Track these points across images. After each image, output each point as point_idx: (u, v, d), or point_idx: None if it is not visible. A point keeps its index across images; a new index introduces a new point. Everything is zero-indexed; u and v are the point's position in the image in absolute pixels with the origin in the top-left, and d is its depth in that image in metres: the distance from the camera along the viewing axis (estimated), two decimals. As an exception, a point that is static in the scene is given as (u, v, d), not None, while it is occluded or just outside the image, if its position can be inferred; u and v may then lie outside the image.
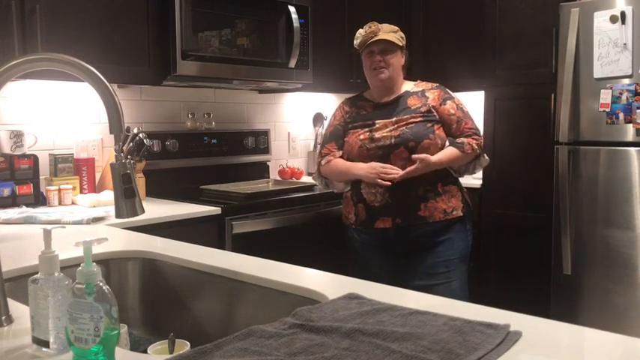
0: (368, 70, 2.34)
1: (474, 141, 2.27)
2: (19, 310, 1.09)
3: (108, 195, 2.50)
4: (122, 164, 1.15)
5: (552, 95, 2.98)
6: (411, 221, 2.23)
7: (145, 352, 1.31)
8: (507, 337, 0.93)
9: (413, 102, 2.32)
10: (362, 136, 2.31)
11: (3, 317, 1.05)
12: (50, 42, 2.27)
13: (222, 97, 3.35)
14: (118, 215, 1.18)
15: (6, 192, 2.39)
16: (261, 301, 1.35)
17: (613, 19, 2.71)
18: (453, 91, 2.40)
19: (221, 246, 2.44)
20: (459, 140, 2.27)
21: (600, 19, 2.75)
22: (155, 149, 2.90)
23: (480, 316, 1.02)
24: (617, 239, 2.76)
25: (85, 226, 2.07)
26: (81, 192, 2.65)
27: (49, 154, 2.61)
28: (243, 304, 1.40)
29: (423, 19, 3.77)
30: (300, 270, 1.42)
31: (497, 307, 1.11)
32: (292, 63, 3.00)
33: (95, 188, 2.71)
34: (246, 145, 3.33)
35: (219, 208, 2.47)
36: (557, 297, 2.97)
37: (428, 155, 2.17)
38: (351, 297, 1.14)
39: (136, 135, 2.53)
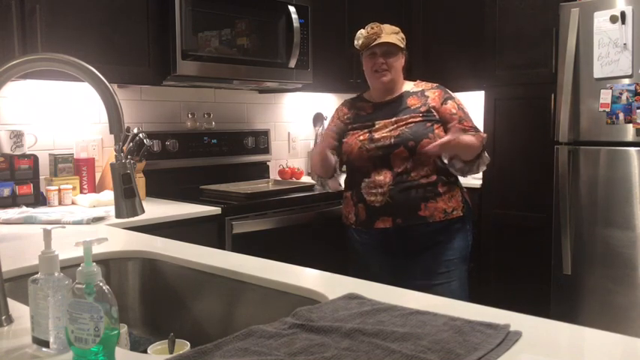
0: (369, 72, 2.33)
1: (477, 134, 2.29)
2: (19, 310, 1.09)
3: (108, 195, 2.50)
4: (122, 164, 1.15)
5: (552, 95, 2.98)
6: (411, 221, 2.23)
7: (145, 352, 1.31)
8: (507, 337, 0.93)
9: (412, 102, 2.32)
10: (361, 137, 2.31)
11: (3, 317, 1.05)
12: (50, 42, 2.27)
13: (222, 97, 3.35)
14: (118, 215, 1.18)
15: (6, 192, 2.39)
16: (261, 301, 1.35)
17: (613, 19, 2.71)
18: (452, 91, 2.40)
19: (221, 246, 2.44)
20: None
21: (600, 19, 2.75)
22: (155, 149, 2.90)
23: (480, 316, 1.02)
24: (617, 239, 2.76)
25: (85, 226, 2.07)
26: (81, 192, 2.65)
27: (49, 154, 2.61)
28: (243, 304, 1.40)
29: (423, 19, 3.77)
30: (300, 270, 1.42)
31: (497, 307, 1.11)
32: (292, 63, 3.00)
33: (95, 188, 2.71)
34: (246, 145, 3.33)
35: (219, 208, 2.47)
36: (557, 297, 2.97)
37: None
38: (351, 297, 1.14)
39: (136, 135, 2.53)
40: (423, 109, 2.29)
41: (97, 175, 2.77)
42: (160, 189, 2.83)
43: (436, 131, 2.26)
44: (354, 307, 1.08)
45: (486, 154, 2.34)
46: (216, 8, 2.74)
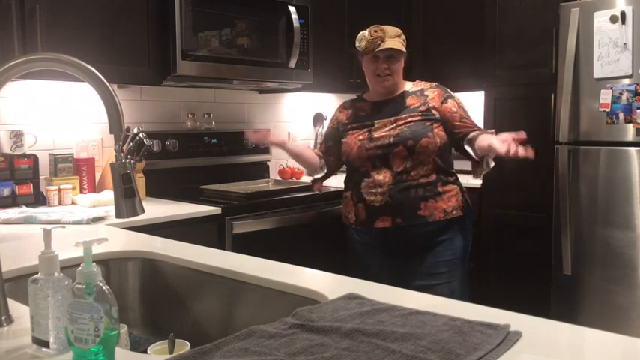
0: (371, 76, 2.33)
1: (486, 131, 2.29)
2: (19, 310, 1.09)
3: (108, 195, 2.50)
4: (122, 164, 1.15)
5: (552, 95, 2.98)
6: (411, 221, 2.23)
7: (145, 352, 1.31)
8: (507, 337, 0.93)
9: (412, 101, 2.32)
10: (361, 137, 2.31)
11: (3, 317, 1.05)
12: (50, 42, 2.27)
13: (222, 97, 3.35)
14: (118, 215, 1.18)
15: (6, 192, 2.40)
16: (261, 301, 1.35)
17: (613, 19, 2.71)
18: (452, 91, 2.40)
19: (221, 246, 2.44)
20: (474, 134, 2.25)
21: (600, 19, 2.75)
22: (155, 149, 2.90)
23: (480, 316, 1.02)
24: (617, 239, 2.76)
25: (85, 226, 2.07)
26: (81, 192, 2.65)
27: (49, 154, 2.61)
28: (243, 304, 1.40)
29: (423, 19, 3.77)
30: (300, 270, 1.42)
31: (497, 307, 1.11)
32: (292, 63, 3.00)
33: (95, 188, 2.71)
34: (246, 145, 3.34)
35: (219, 208, 2.47)
36: (557, 297, 2.97)
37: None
38: (351, 297, 1.14)
39: (136, 135, 2.54)
40: (422, 108, 2.29)
41: (97, 175, 2.77)
42: (160, 189, 2.83)
43: (435, 130, 2.26)
44: (354, 307, 1.08)
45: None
46: (216, 8, 2.74)
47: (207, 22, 2.71)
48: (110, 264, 1.62)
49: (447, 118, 2.29)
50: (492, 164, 2.26)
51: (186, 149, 3.07)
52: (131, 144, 2.52)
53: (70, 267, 1.16)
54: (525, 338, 0.94)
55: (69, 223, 2.09)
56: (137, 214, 1.19)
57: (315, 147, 3.72)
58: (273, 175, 3.51)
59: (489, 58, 3.24)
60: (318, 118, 3.80)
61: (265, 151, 3.44)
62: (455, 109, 2.30)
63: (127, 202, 1.17)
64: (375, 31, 2.25)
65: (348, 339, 0.93)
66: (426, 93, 2.34)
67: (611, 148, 2.77)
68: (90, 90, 1.16)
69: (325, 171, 2.50)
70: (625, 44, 2.68)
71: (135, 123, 2.91)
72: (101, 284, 0.85)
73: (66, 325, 0.84)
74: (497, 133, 3.16)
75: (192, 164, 3.10)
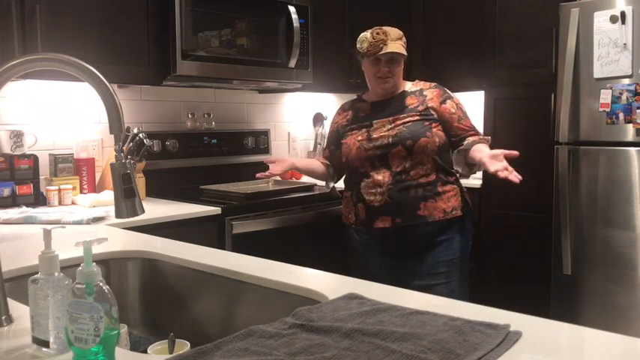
0: (372, 77, 2.33)
1: (483, 137, 2.30)
2: (19, 310, 1.09)
3: (108, 195, 2.50)
4: (122, 164, 1.15)
5: (552, 95, 2.98)
6: (411, 221, 2.23)
7: (145, 352, 1.31)
8: (507, 337, 0.93)
9: (411, 101, 2.32)
10: (360, 137, 2.31)
11: (3, 317, 1.05)
12: (50, 42, 2.27)
13: (222, 97, 3.35)
14: (118, 215, 1.18)
15: (6, 192, 2.39)
16: (261, 301, 1.35)
17: (613, 19, 2.71)
18: (452, 91, 2.40)
19: (221, 246, 2.44)
20: (469, 140, 2.26)
21: (600, 19, 2.75)
22: (155, 149, 2.90)
23: (479, 316, 1.02)
24: (617, 239, 2.76)
25: (85, 226, 2.07)
26: (81, 192, 2.65)
27: (49, 154, 2.61)
28: (243, 304, 1.40)
29: (423, 19, 3.77)
30: (300, 270, 1.42)
31: (497, 307, 1.11)
32: (292, 63, 3.00)
33: (95, 188, 2.71)
34: (246, 145, 3.34)
35: (219, 208, 2.47)
36: (557, 297, 2.97)
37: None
38: (351, 297, 1.14)
39: (136, 135, 2.53)
40: (420, 108, 2.29)
41: (97, 175, 2.77)
42: (160, 189, 2.83)
43: (434, 130, 2.26)
44: (354, 307, 1.08)
45: None
46: (216, 8, 2.74)
47: (207, 22, 2.71)
48: (110, 264, 1.62)
49: (446, 118, 2.29)
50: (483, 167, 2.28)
51: (186, 149, 3.07)
52: (131, 144, 2.52)
53: (70, 267, 1.16)
54: (525, 338, 0.94)
55: (69, 223, 2.09)
56: (137, 214, 1.19)
57: (315, 147, 3.73)
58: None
59: (489, 58, 3.24)
60: (318, 118, 3.80)
61: (265, 151, 3.44)
62: (454, 110, 2.30)
63: (127, 202, 1.17)
64: (377, 34, 2.24)
65: (348, 339, 0.93)
66: (424, 93, 2.34)
67: (611, 148, 2.77)
68: (90, 90, 1.16)
69: (336, 177, 2.53)
70: (625, 44, 2.68)
71: (135, 123, 2.91)
72: (101, 284, 0.85)
73: (66, 325, 0.84)
74: (496, 133, 3.18)
75: (192, 164, 3.10)
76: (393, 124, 2.28)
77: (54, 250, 0.96)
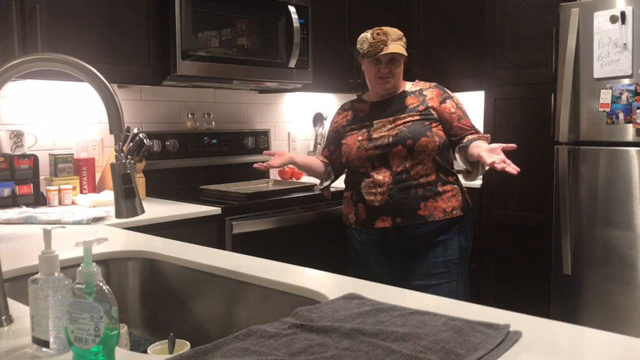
0: (372, 78, 2.33)
1: (482, 135, 2.30)
2: (19, 310, 1.09)
3: (108, 195, 2.50)
4: (122, 164, 1.15)
5: (552, 95, 2.98)
6: (411, 221, 2.23)
7: (145, 352, 1.31)
8: (507, 337, 0.93)
9: (411, 101, 2.32)
10: (360, 137, 2.31)
11: (3, 317, 1.05)
12: (50, 42, 2.27)
13: (222, 97, 3.35)
14: (118, 215, 1.18)
15: (6, 192, 2.40)
16: (261, 301, 1.35)
17: (613, 19, 2.71)
18: (452, 91, 2.40)
19: (221, 246, 2.44)
20: (469, 138, 2.25)
21: (600, 19, 2.75)
22: (155, 149, 2.90)
23: (479, 316, 1.02)
24: (617, 239, 2.76)
25: (85, 226, 2.07)
26: (81, 192, 2.65)
27: (49, 154, 2.61)
28: (243, 304, 1.40)
29: (423, 19, 3.77)
30: (300, 270, 1.42)
31: (497, 307, 1.11)
32: (292, 63, 3.00)
33: (95, 188, 2.71)
34: (246, 145, 3.34)
35: (219, 208, 2.47)
36: (557, 297, 2.97)
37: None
38: (351, 297, 1.14)
39: (136, 135, 2.53)
40: (421, 108, 2.29)
41: (97, 175, 2.77)
42: (160, 189, 2.83)
43: (434, 129, 2.26)
44: (354, 307, 1.08)
45: None
46: (216, 8, 2.74)
47: (207, 22, 2.71)
48: (110, 264, 1.62)
49: (446, 118, 2.29)
50: (487, 167, 2.27)
51: (186, 149, 3.07)
52: (131, 144, 2.52)
53: (70, 267, 1.16)
54: (525, 338, 0.94)
55: (69, 223, 2.09)
56: (137, 214, 1.19)
57: (315, 147, 3.73)
58: (273, 175, 3.51)
59: (489, 58, 3.24)
60: (318, 118, 3.80)
61: (265, 151, 3.43)
62: (453, 110, 2.30)
63: (127, 202, 1.17)
64: (378, 34, 2.24)
65: (348, 339, 0.93)
66: (424, 93, 2.34)
67: (611, 148, 2.77)
68: (90, 90, 1.16)
69: (332, 177, 2.51)
70: (625, 44, 2.68)
71: (135, 123, 2.91)
72: (101, 284, 0.85)
73: (66, 325, 0.84)
74: (496, 133, 3.18)
75: (192, 164, 3.10)
76: (393, 124, 2.28)
77: (54, 250, 0.96)
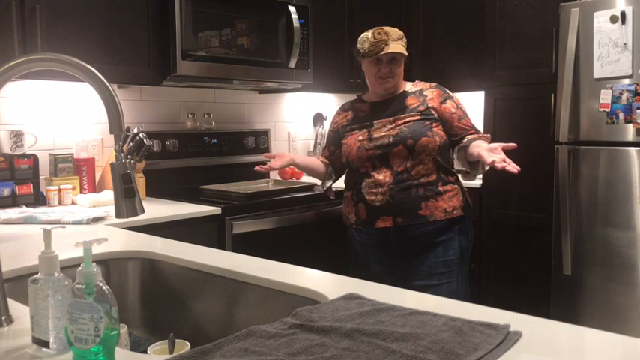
0: (372, 78, 2.33)
1: (482, 135, 2.30)
2: (19, 310, 1.09)
3: (108, 195, 2.50)
4: (122, 164, 1.15)
5: (552, 95, 2.98)
6: (412, 221, 2.23)
7: (145, 352, 1.31)
8: (507, 337, 0.93)
9: (411, 101, 2.32)
10: (360, 137, 2.31)
11: (3, 317, 1.05)
12: (50, 42, 2.27)
13: (222, 97, 3.35)
14: (118, 215, 1.18)
15: (6, 192, 2.39)
16: (261, 301, 1.35)
17: (613, 19, 2.71)
18: (452, 91, 2.40)
19: (221, 246, 2.44)
20: (469, 137, 2.25)
21: (600, 19, 2.75)
22: (155, 149, 2.90)
23: (479, 316, 1.02)
24: (617, 239, 2.76)
25: (85, 226, 2.07)
26: (81, 192, 2.65)
27: (49, 154, 2.61)
28: (243, 304, 1.40)
29: (422, 19, 3.77)
30: (300, 270, 1.42)
31: (497, 307, 1.11)
32: (292, 63, 3.00)
33: (95, 188, 2.71)
34: (246, 145, 3.34)
35: (219, 208, 2.47)
36: (557, 297, 2.97)
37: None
38: (351, 297, 1.14)
39: (136, 135, 2.53)
40: (421, 108, 2.29)
41: (97, 175, 2.77)
42: (160, 189, 2.83)
43: (434, 129, 2.26)
44: (354, 307, 1.08)
45: None
46: (216, 8, 2.74)
47: (207, 22, 2.71)
48: (110, 264, 1.62)
49: (446, 118, 2.29)
50: (487, 167, 2.26)
51: (186, 149, 3.07)
52: (131, 144, 2.52)
53: (70, 267, 1.16)
54: (525, 338, 0.94)
55: (69, 223, 2.09)
56: (137, 214, 1.19)
57: (315, 147, 3.73)
58: (273, 175, 3.50)
59: (489, 58, 3.24)
60: (318, 118, 3.80)
61: (265, 151, 3.44)
62: (454, 110, 2.30)
63: (127, 202, 1.17)
64: (379, 34, 2.24)
65: (348, 339, 0.93)
66: (425, 93, 2.34)
67: (611, 148, 2.77)
68: (90, 90, 1.16)
69: (334, 177, 2.51)
70: (625, 44, 2.68)
71: (135, 123, 2.91)
72: (101, 284, 0.85)
73: (66, 325, 0.84)
74: (496, 133, 3.18)
75: (192, 164, 3.10)
76: (393, 124, 2.28)
77: (54, 250, 0.96)
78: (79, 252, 0.92)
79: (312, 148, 3.77)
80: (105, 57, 2.44)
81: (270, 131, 3.52)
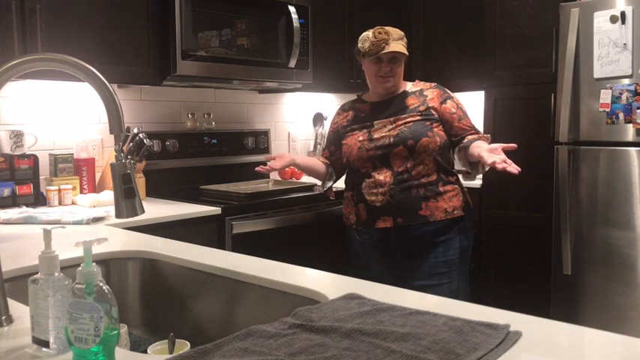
0: (372, 77, 2.33)
1: (482, 135, 2.30)
2: (19, 310, 1.09)
3: (108, 195, 2.50)
4: (122, 164, 1.15)
5: (552, 95, 2.98)
6: (412, 221, 2.23)
7: (145, 352, 1.31)
8: (507, 337, 0.93)
9: (411, 101, 2.32)
10: (361, 138, 2.31)
11: (3, 317, 1.05)
12: (50, 42, 2.27)
13: (222, 97, 3.35)
14: (118, 215, 1.18)
15: (6, 192, 2.39)
16: (261, 301, 1.35)
17: (613, 19, 2.71)
18: (452, 91, 2.40)
19: (221, 246, 2.44)
20: (469, 138, 2.26)
21: (600, 19, 2.75)
22: (155, 149, 2.90)
23: (479, 316, 1.02)
24: (617, 239, 2.76)
25: (85, 226, 2.07)
26: (81, 192, 2.65)
27: (49, 154, 2.61)
28: (243, 304, 1.40)
29: (422, 19, 3.77)
30: (300, 270, 1.42)
31: (497, 307, 1.11)
32: (292, 63, 3.00)
33: (95, 188, 2.71)
34: (246, 145, 3.34)
35: (219, 208, 2.47)
36: (557, 297, 2.97)
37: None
38: (351, 297, 1.14)
39: (136, 135, 2.53)
40: (421, 108, 2.29)
41: (97, 175, 2.77)
42: (160, 189, 2.83)
43: (435, 129, 2.26)
44: (354, 307, 1.08)
45: None
46: (216, 8, 2.74)
47: (207, 22, 2.71)
48: (110, 264, 1.62)
49: (446, 118, 2.29)
50: (487, 168, 2.26)
51: (186, 149, 3.07)
52: (131, 144, 2.52)
53: (70, 267, 1.16)
54: (525, 338, 0.94)
55: (69, 223, 2.09)
56: (137, 214, 1.19)
57: (315, 147, 3.73)
58: (273, 175, 3.50)
59: (489, 58, 3.24)
60: (318, 118, 3.80)
61: (265, 151, 3.44)
62: (454, 110, 2.30)
63: (127, 202, 1.17)
64: (380, 33, 2.24)
65: (348, 339, 0.93)
66: (425, 93, 2.34)
67: (611, 148, 2.77)
68: (90, 90, 1.16)
69: (334, 178, 2.51)
70: (625, 44, 2.68)
71: (135, 123, 2.91)
72: (101, 284, 0.85)
73: (66, 325, 0.84)
74: (496, 133, 3.18)
75: (192, 164, 3.10)
76: (394, 125, 2.28)
77: (54, 250, 0.96)
78: (79, 252, 0.92)
79: (312, 148, 3.77)
80: (105, 57, 2.44)
81: (270, 131, 3.52)
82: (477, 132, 2.32)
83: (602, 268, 2.82)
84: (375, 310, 1.06)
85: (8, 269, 1.37)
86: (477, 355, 0.86)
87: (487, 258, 3.29)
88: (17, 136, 2.48)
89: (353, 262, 2.42)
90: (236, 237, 2.50)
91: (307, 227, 2.79)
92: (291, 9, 2.95)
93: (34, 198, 2.47)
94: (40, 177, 2.54)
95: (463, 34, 3.58)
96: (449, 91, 2.37)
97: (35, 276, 0.95)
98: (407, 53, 2.27)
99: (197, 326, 1.48)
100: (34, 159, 2.49)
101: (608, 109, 2.76)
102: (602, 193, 2.81)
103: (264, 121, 3.56)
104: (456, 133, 2.29)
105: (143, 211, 1.19)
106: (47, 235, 0.98)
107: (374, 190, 2.26)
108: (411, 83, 2.42)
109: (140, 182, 2.66)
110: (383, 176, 2.24)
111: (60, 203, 2.52)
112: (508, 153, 2.02)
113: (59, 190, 2.52)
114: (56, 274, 0.94)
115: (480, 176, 3.03)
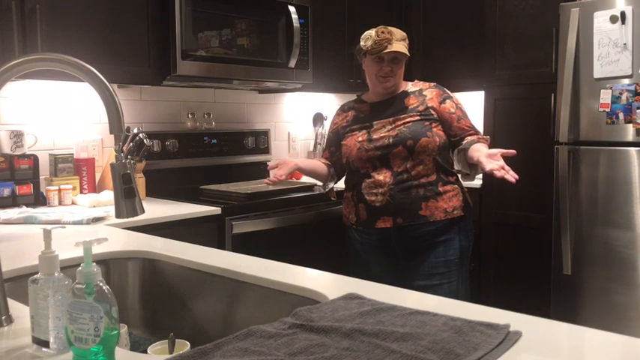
0: (373, 76, 2.33)
1: (481, 137, 2.30)
2: (19, 310, 1.09)
3: (108, 195, 2.50)
4: (122, 164, 1.15)
5: (552, 95, 2.98)
6: (412, 221, 2.23)
7: (145, 352, 1.31)
8: (507, 337, 0.93)
9: (411, 101, 2.33)
10: (360, 138, 2.31)
11: (3, 317, 1.05)
12: (50, 42, 2.27)
13: (222, 97, 3.35)
14: (118, 215, 1.18)
15: (6, 192, 2.39)
16: (261, 301, 1.35)
17: (613, 19, 2.71)
18: (452, 91, 2.40)
19: (221, 246, 2.44)
20: (468, 139, 2.26)
21: (600, 19, 2.75)
22: (155, 149, 2.90)
23: (480, 316, 1.02)
24: (617, 239, 2.76)
25: (85, 226, 2.07)
26: (81, 192, 2.65)
27: (49, 154, 2.61)
28: (243, 304, 1.40)
29: (422, 19, 3.77)
30: (300, 270, 1.42)
31: (497, 307, 1.11)
32: (292, 63, 3.00)
33: (95, 188, 2.71)
34: (246, 145, 3.34)
35: (219, 208, 2.47)
36: (557, 297, 2.97)
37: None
38: (351, 297, 1.14)
39: (136, 135, 2.53)
40: (421, 108, 2.29)
41: (97, 175, 2.77)
42: (160, 189, 2.83)
43: (434, 129, 2.26)
44: (354, 307, 1.08)
45: None
46: (216, 8, 2.74)
47: (207, 22, 2.71)
48: (110, 264, 1.62)
49: (446, 118, 2.29)
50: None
51: (186, 149, 3.07)
52: (131, 144, 2.52)
53: (70, 267, 1.16)
54: (525, 338, 0.94)
55: (69, 223, 2.09)
56: (137, 214, 1.19)
57: (315, 147, 3.73)
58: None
59: (489, 58, 3.24)
60: (318, 118, 3.80)
61: (265, 151, 3.44)
62: (453, 110, 2.30)
63: (127, 202, 1.17)
64: (382, 32, 2.24)
65: (348, 339, 0.93)
66: (424, 93, 2.34)
67: (611, 148, 2.77)
68: (90, 90, 1.16)
69: (335, 178, 2.52)
70: (625, 44, 2.68)
71: (135, 123, 2.91)
72: (101, 284, 0.85)
73: (66, 325, 0.84)
74: (496, 133, 3.18)
75: (192, 164, 3.10)
76: (393, 125, 2.28)
77: (54, 250, 0.96)
78: (79, 252, 0.92)
79: (312, 148, 3.77)
80: (105, 57, 2.44)
81: (270, 131, 3.52)
82: (476, 132, 2.32)
83: (602, 268, 2.82)
84: (375, 310, 1.06)
85: (8, 269, 1.37)
86: (477, 355, 0.86)
87: (487, 258, 3.29)
88: (17, 136, 2.48)
89: (353, 262, 2.42)
90: (236, 237, 2.50)
91: (307, 227, 2.78)
92: (291, 9, 2.95)
93: (34, 198, 2.47)
94: (40, 177, 2.54)
95: (463, 34, 3.58)
96: (448, 91, 2.37)
97: (35, 276, 0.95)
98: (408, 54, 2.28)
99: (197, 326, 1.48)
100: (34, 159, 2.49)
101: (608, 109, 2.76)
102: (602, 193, 2.81)
103: (264, 121, 3.56)
104: (455, 133, 2.29)
105: (143, 211, 1.20)
106: (47, 235, 0.98)
107: (374, 191, 2.26)
108: (411, 83, 2.42)
109: (140, 182, 2.66)
110: (383, 176, 2.24)
111: (60, 203, 2.52)
112: (507, 157, 2.02)
113: (59, 190, 2.52)
114: (56, 274, 0.94)
115: (480, 176, 3.03)
